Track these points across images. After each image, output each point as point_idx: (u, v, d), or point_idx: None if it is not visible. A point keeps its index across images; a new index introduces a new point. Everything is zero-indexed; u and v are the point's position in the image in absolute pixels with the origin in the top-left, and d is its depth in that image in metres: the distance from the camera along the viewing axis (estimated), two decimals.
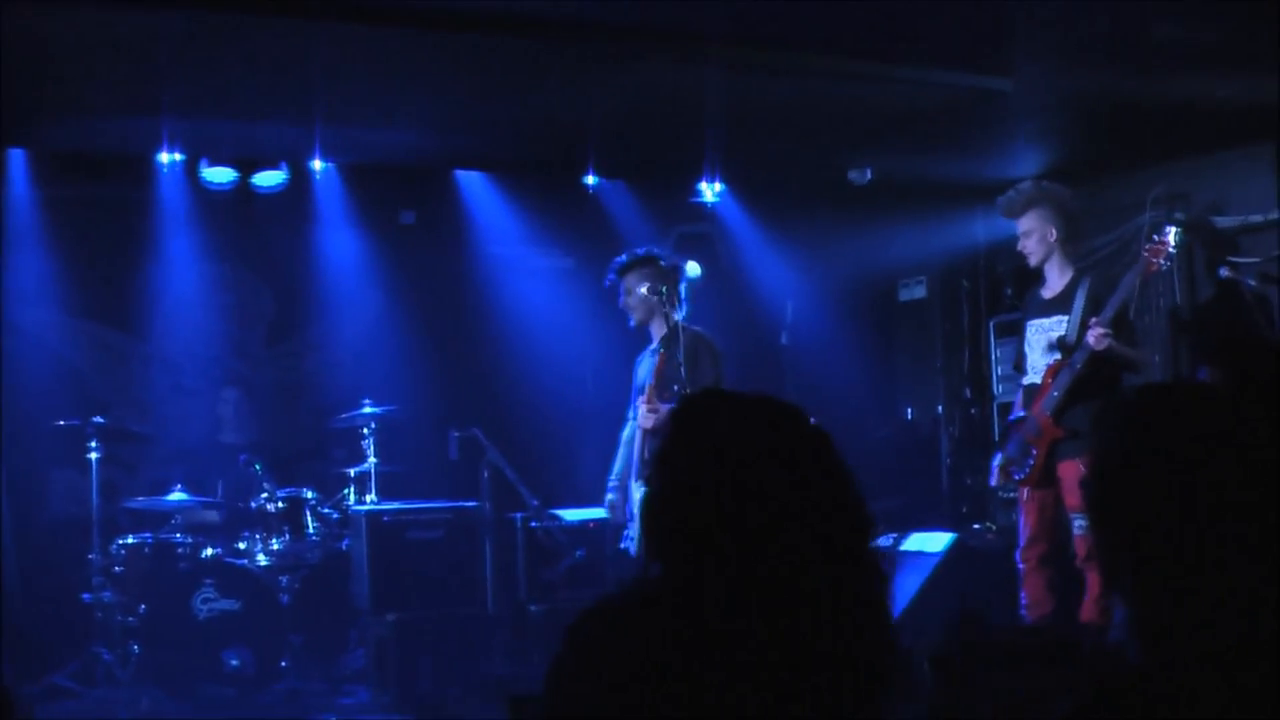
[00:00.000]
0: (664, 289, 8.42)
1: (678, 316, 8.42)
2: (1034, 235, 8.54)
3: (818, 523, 2.52)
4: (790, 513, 2.51)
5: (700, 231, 11.59)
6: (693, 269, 9.37)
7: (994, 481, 8.79)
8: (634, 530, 8.37)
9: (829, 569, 2.51)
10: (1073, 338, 8.23)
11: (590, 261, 10.64)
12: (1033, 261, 8.63)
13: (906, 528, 9.94)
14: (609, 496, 8.84)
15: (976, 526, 10.51)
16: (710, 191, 10.53)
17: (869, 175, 10.87)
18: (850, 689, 2.49)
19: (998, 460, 8.63)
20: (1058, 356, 8.33)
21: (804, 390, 9.90)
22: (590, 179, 10.34)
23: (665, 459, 2.66)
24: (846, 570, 2.53)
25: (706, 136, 10.01)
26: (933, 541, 9.60)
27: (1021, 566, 8.52)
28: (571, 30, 7.94)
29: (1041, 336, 8.53)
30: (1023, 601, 8.51)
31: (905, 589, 9.00)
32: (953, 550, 9.49)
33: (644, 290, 8.51)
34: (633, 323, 8.75)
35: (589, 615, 2.60)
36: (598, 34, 8.01)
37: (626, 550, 8.48)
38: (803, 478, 2.55)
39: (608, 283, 8.78)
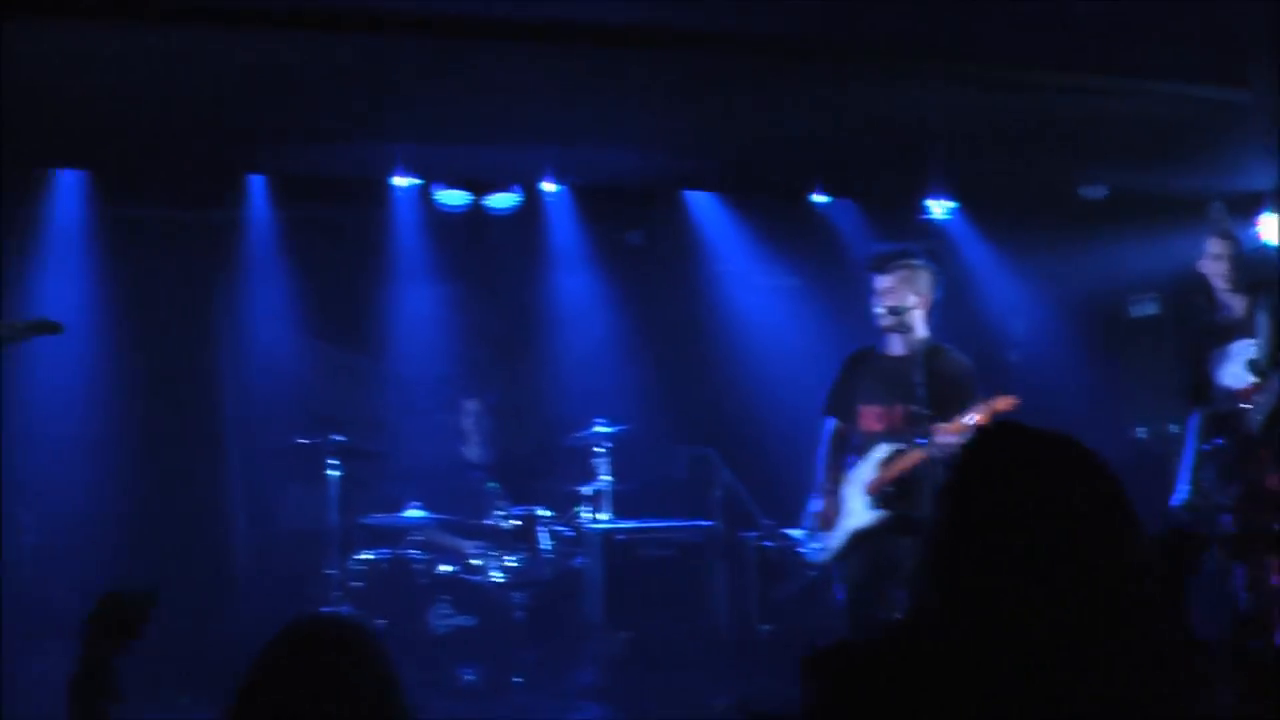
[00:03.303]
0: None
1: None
2: (1223, 260, 8.47)
3: (1110, 564, 2.46)
4: (1086, 553, 2.45)
5: (929, 249, 11.49)
6: None
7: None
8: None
9: (1118, 608, 2.44)
10: (1264, 359, 8.09)
11: (817, 280, 10.61)
12: (1218, 283, 8.51)
13: None
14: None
15: None
16: (939, 208, 10.44)
17: (1104, 190, 10.71)
18: None
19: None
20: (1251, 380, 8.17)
21: (1033, 407, 9.78)
22: (818, 197, 10.31)
23: (964, 490, 2.58)
24: (1132, 611, 2.47)
25: (935, 153, 9.94)
26: None
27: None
28: (798, 49, 7.95)
29: (1228, 363, 8.39)
30: None
31: None
32: None
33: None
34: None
35: (850, 648, 2.53)
36: (824, 53, 8.02)
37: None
38: (1100, 521, 2.50)
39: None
